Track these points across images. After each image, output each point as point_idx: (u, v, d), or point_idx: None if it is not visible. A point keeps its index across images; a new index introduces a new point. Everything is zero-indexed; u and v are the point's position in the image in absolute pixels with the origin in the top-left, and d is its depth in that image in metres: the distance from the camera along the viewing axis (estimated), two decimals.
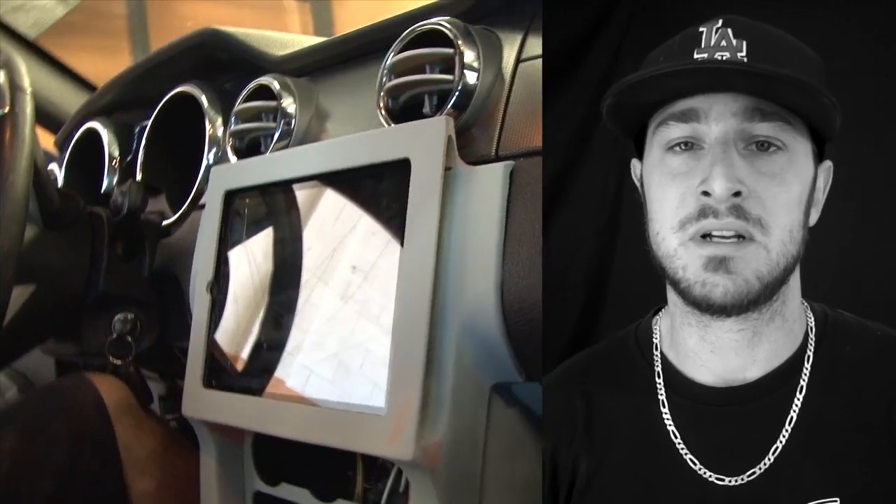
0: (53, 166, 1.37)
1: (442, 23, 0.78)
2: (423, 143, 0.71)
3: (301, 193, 0.83)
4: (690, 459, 0.54)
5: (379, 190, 0.75)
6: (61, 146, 1.46)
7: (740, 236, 0.51)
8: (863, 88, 0.71)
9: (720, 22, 0.53)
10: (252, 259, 0.88)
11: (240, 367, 0.84)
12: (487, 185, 0.70)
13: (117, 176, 1.25)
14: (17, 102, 0.87)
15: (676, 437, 0.55)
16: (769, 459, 0.53)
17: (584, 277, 0.87)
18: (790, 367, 0.55)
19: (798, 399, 0.54)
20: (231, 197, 0.91)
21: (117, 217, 1.03)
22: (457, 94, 0.75)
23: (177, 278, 1.03)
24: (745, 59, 0.51)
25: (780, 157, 0.52)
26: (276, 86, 0.95)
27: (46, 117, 1.51)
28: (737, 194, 0.50)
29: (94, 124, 1.30)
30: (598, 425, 0.57)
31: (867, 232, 0.76)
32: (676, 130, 0.52)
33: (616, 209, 0.86)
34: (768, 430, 0.54)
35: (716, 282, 0.51)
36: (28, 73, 0.90)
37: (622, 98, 0.53)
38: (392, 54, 0.81)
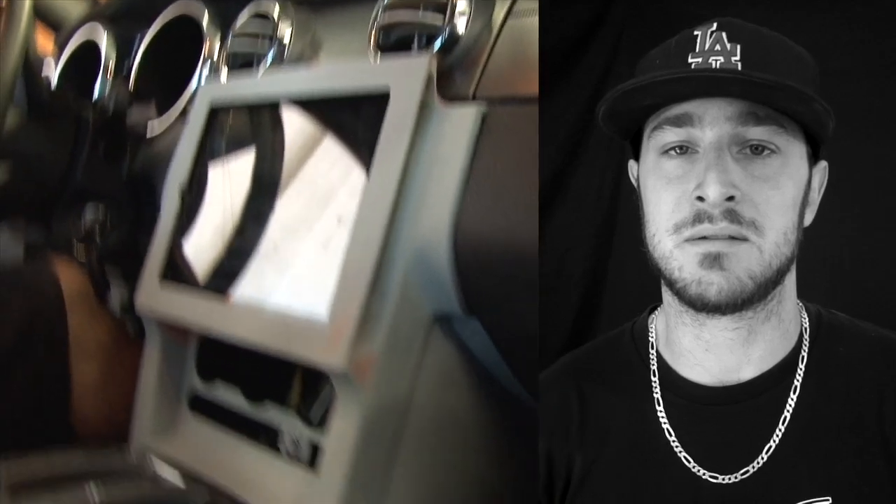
0: (50, 60, 1.38)
1: None
2: (405, 77, 0.74)
3: (283, 115, 0.86)
4: (684, 457, 0.55)
5: (357, 119, 0.78)
6: (61, 46, 1.47)
7: (734, 237, 0.52)
8: (858, 88, 0.72)
9: (715, 25, 0.53)
10: (227, 171, 0.90)
11: (197, 268, 0.87)
12: (459, 124, 0.73)
13: (111, 83, 1.27)
14: None
15: (671, 436, 0.55)
16: (763, 458, 0.54)
17: (580, 276, 0.89)
18: (785, 367, 0.55)
19: (792, 399, 0.55)
20: (215, 112, 0.93)
21: (103, 116, 1.05)
22: (444, 36, 0.77)
23: (153, 184, 1.05)
24: (739, 65, 0.52)
25: (774, 161, 0.52)
26: (275, 10, 0.97)
27: (47, 18, 1.52)
28: (730, 198, 0.51)
29: (94, 30, 1.32)
30: (592, 423, 0.58)
31: (863, 232, 0.77)
32: (671, 135, 0.53)
33: (613, 208, 0.88)
34: (762, 429, 0.54)
35: (710, 280, 0.51)
36: None
37: (617, 104, 0.54)
38: None
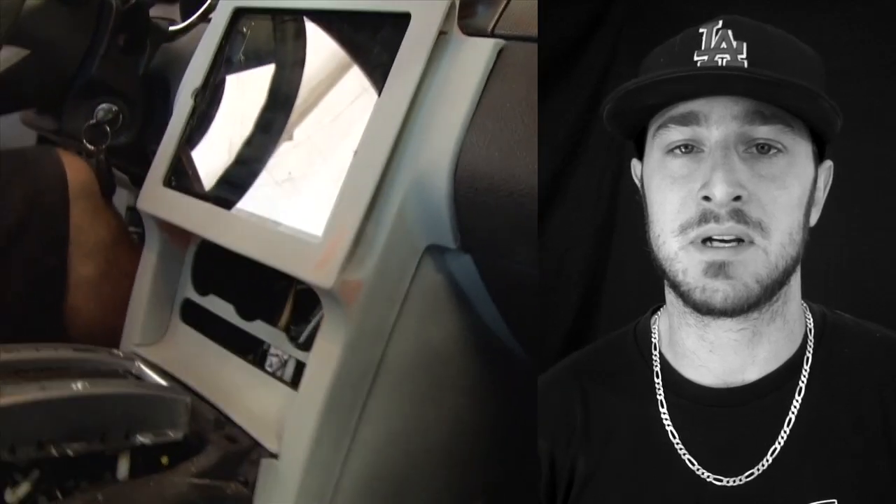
0: None
1: None
2: (428, 1, 0.73)
3: (305, 27, 0.84)
4: (689, 460, 0.54)
5: (376, 39, 0.77)
6: None
7: (740, 240, 0.51)
8: (858, 88, 0.71)
9: (720, 23, 0.52)
10: (244, 78, 0.89)
11: (202, 174, 0.86)
12: (475, 56, 0.71)
13: None
14: None
15: (675, 438, 0.55)
16: (767, 460, 0.53)
17: (579, 276, 0.89)
18: (789, 368, 0.55)
19: (797, 400, 0.54)
20: (239, 15, 0.92)
21: (125, 6, 1.03)
22: None
23: (169, 84, 1.04)
24: (746, 62, 0.51)
25: (781, 160, 0.51)
26: None
27: None
28: (737, 198, 0.50)
29: None
30: (596, 425, 0.57)
31: (863, 232, 0.77)
32: (676, 133, 0.52)
33: (612, 208, 0.87)
34: (767, 430, 0.54)
35: (715, 287, 0.51)
36: None
37: (622, 103, 0.53)
38: None
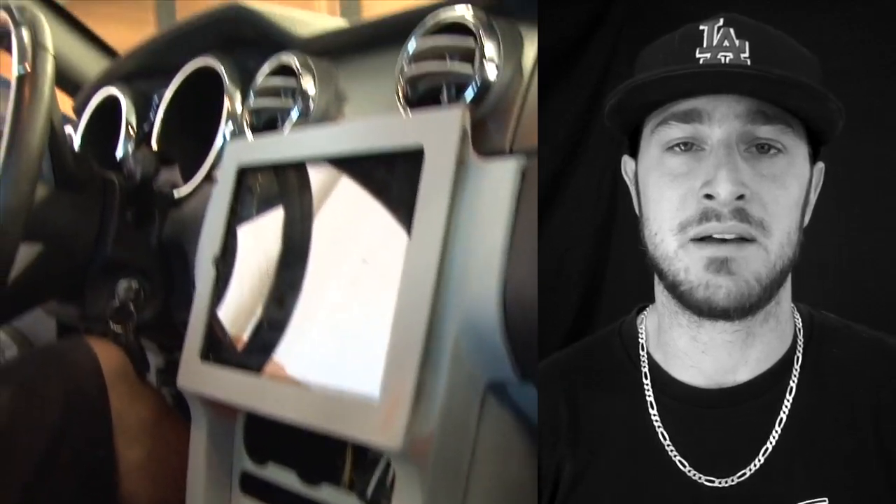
0: (70, 129, 1.37)
1: (465, 14, 0.77)
2: (438, 132, 0.71)
3: (314, 175, 0.82)
4: (679, 461, 0.54)
5: (391, 177, 0.75)
6: (79, 110, 1.46)
7: (743, 238, 0.51)
8: (858, 88, 0.70)
9: (721, 21, 0.52)
10: (260, 237, 0.87)
11: (238, 343, 0.84)
12: (498, 179, 0.69)
13: (133, 143, 1.25)
14: (38, 62, 0.87)
15: (665, 439, 0.54)
16: (759, 461, 0.53)
17: (579, 276, 0.87)
18: (780, 369, 0.55)
19: (788, 400, 0.54)
20: (244, 173, 0.91)
21: (130, 184, 1.03)
22: (475, 86, 0.74)
23: (184, 250, 1.03)
24: (749, 61, 0.51)
25: (781, 160, 0.52)
26: (296, 64, 0.94)
27: (67, 81, 1.51)
28: (740, 197, 0.51)
29: (114, 90, 1.30)
30: (583, 426, 0.57)
31: (862, 232, 0.76)
32: (677, 131, 0.52)
33: (612, 208, 0.86)
34: (758, 431, 0.54)
35: (718, 283, 0.51)
36: (52, 34, 0.90)
37: (626, 98, 0.53)
38: (413, 41, 0.80)
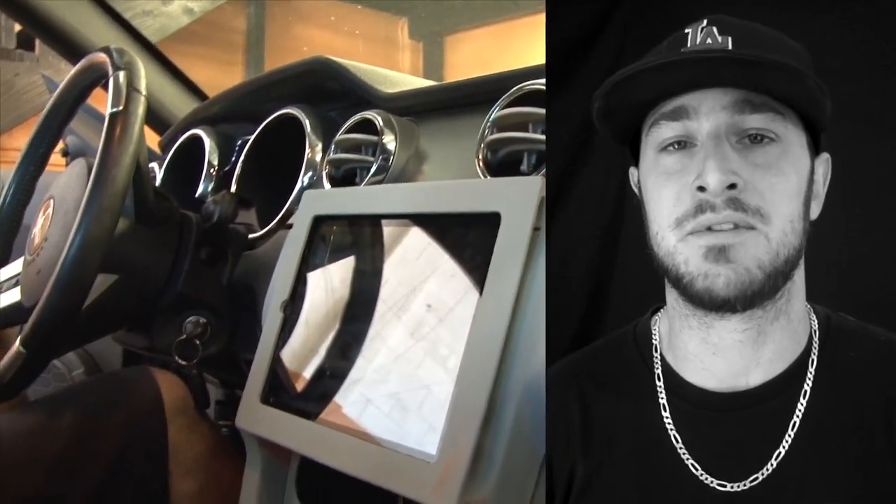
0: (154, 165, 1.42)
1: None
2: (515, 199, 0.72)
3: (388, 229, 0.84)
4: (692, 465, 0.54)
5: (465, 238, 0.76)
6: (164, 147, 1.52)
7: (740, 227, 0.51)
8: (859, 88, 0.70)
9: (705, 21, 0.53)
10: (330, 285, 0.89)
11: (300, 388, 0.85)
12: None
13: (213, 184, 1.29)
14: (131, 102, 0.90)
15: (678, 442, 0.54)
16: (772, 465, 0.53)
17: (586, 278, 0.87)
18: (794, 371, 0.54)
19: (802, 404, 0.54)
20: (319, 222, 0.93)
21: (207, 224, 1.06)
22: None
23: (253, 291, 1.05)
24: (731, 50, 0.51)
25: (774, 149, 0.52)
26: (379, 121, 0.97)
27: (156, 118, 1.57)
28: (732, 187, 0.51)
29: (199, 131, 1.35)
30: (595, 428, 0.56)
31: (863, 232, 0.75)
32: (668, 130, 0.53)
33: (618, 209, 0.86)
34: (771, 435, 0.53)
35: (717, 272, 0.51)
36: (146, 76, 0.94)
37: (611, 100, 0.54)
38: (497, 108, 0.82)
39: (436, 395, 0.71)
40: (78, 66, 1.04)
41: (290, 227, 0.97)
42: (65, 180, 1.02)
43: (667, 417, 0.55)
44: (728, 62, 0.51)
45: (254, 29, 3.00)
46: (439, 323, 0.74)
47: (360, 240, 0.88)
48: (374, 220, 0.86)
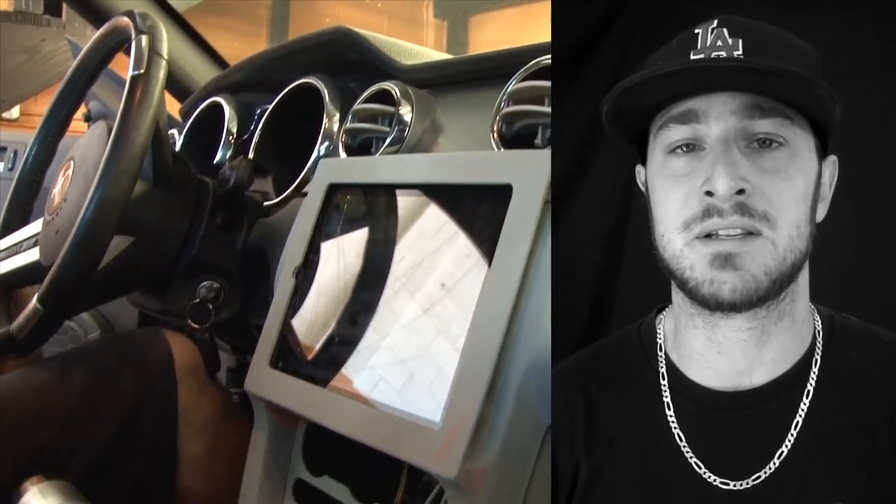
0: (174, 131, 1.43)
1: None
2: (528, 172, 0.72)
3: (401, 200, 0.84)
4: (695, 463, 0.54)
5: (477, 209, 0.76)
6: (185, 114, 1.52)
7: (748, 233, 0.51)
8: (860, 88, 0.69)
9: (715, 22, 0.53)
10: (342, 254, 0.90)
11: (309, 354, 0.86)
12: None
13: (231, 151, 1.30)
14: (152, 66, 0.91)
15: (682, 441, 0.55)
16: (775, 464, 0.53)
17: (593, 277, 0.87)
18: (798, 371, 0.54)
19: (805, 403, 0.54)
20: (333, 190, 0.93)
21: (223, 189, 1.06)
22: None
23: (267, 258, 1.06)
24: (742, 57, 0.51)
25: (783, 153, 0.52)
26: (396, 92, 0.97)
27: (177, 85, 1.58)
28: (740, 192, 0.51)
29: (219, 99, 1.36)
30: (599, 426, 0.57)
31: (863, 233, 0.75)
32: (677, 133, 0.53)
33: (625, 208, 0.86)
34: (774, 434, 0.54)
35: (723, 279, 0.51)
36: (168, 41, 0.94)
37: (621, 103, 0.54)
38: (514, 82, 0.82)
39: (442, 365, 0.71)
40: (101, 29, 1.05)
41: (306, 195, 0.98)
42: (85, 142, 1.03)
43: (670, 416, 0.55)
44: (739, 71, 0.51)
45: (279, 2, 3.00)
46: (448, 294, 0.75)
47: (374, 209, 0.89)
48: (388, 190, 0.86)
